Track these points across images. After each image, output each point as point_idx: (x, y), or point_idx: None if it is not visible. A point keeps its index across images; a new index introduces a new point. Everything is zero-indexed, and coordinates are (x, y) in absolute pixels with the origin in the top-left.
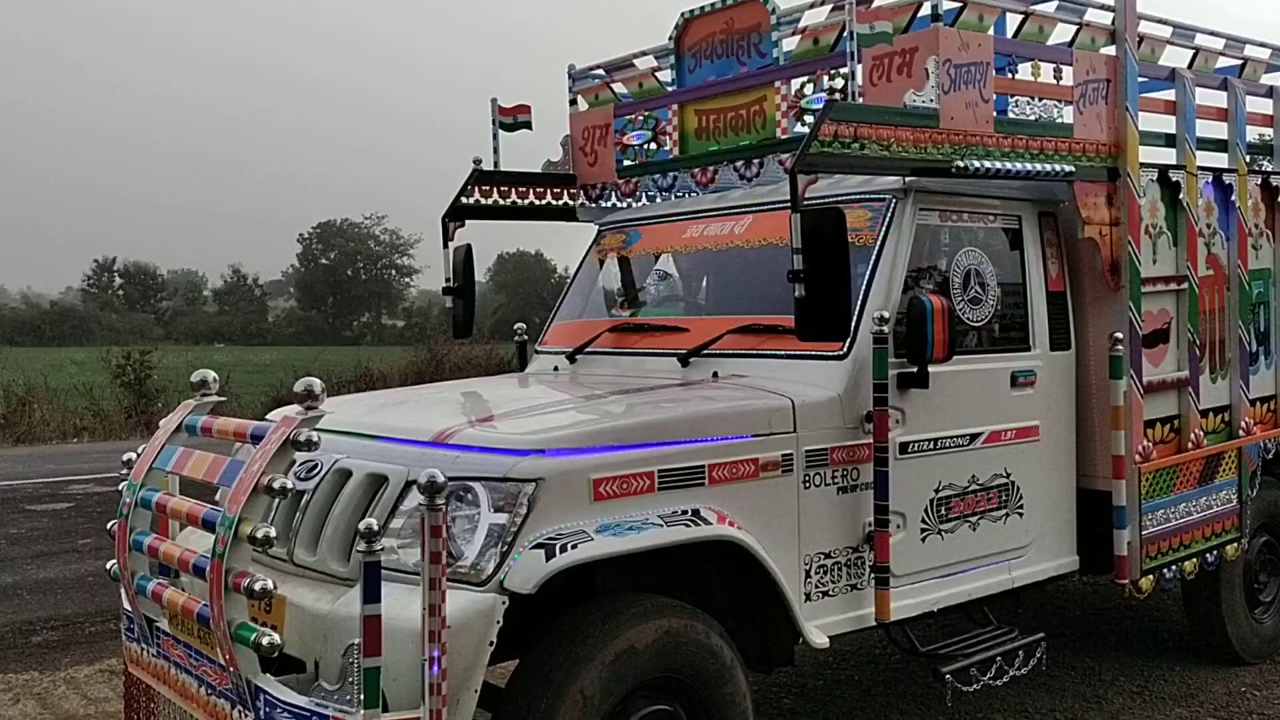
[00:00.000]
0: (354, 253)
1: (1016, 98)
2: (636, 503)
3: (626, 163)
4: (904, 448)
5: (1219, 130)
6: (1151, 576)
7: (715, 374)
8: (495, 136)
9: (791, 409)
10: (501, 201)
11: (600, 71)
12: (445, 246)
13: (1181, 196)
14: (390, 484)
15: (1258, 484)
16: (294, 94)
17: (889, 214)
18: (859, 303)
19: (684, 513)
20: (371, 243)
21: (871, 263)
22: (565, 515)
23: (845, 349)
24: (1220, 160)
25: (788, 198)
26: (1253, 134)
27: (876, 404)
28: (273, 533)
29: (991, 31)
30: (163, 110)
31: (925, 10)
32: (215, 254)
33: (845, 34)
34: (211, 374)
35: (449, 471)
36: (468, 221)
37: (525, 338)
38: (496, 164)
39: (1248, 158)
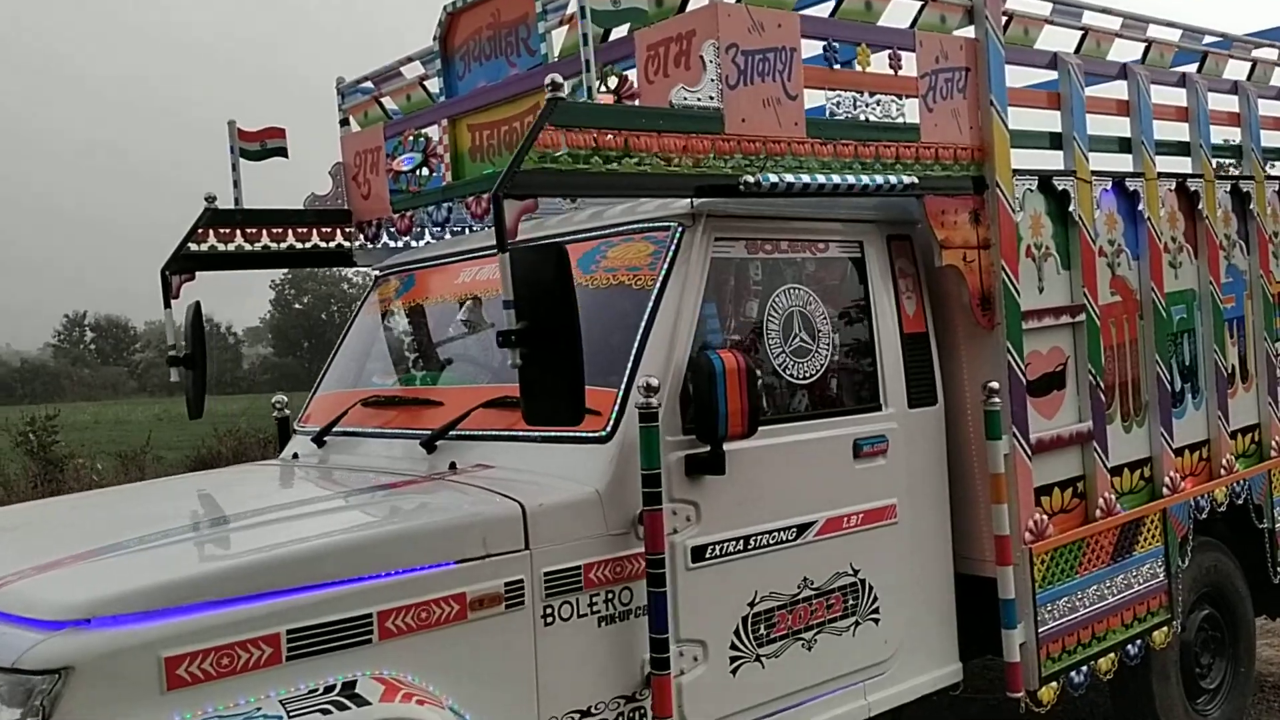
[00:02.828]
0: (327, 296)
1: (840, 94)
2: (246, 684)
3: (399, 193)
4: (699, 553)
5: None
6: (1055, 684)
7: (453, 465)
8: (235, 168)
9: (521, 518)
10: (249, 246)
11: (370, 84)
12: (166, 306)
13: (1072, 209)
14: None
15: (1190, 550)
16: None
17: (673, 247)
18: (629, 365)
19: (329, 690)
20: (345, 284)
21: (647, 312)
22: (115, 717)
23: (609, 428)
24: (1126, 164)
25: (572, 229)
26: (1170, 131)
27: (647, 501)
28: None
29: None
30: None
31: None
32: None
33: (579, 11)
34: None
35: None
36: (201, 273)
37: (286, 412)
38: (238, 201)
39: (1155, 159)
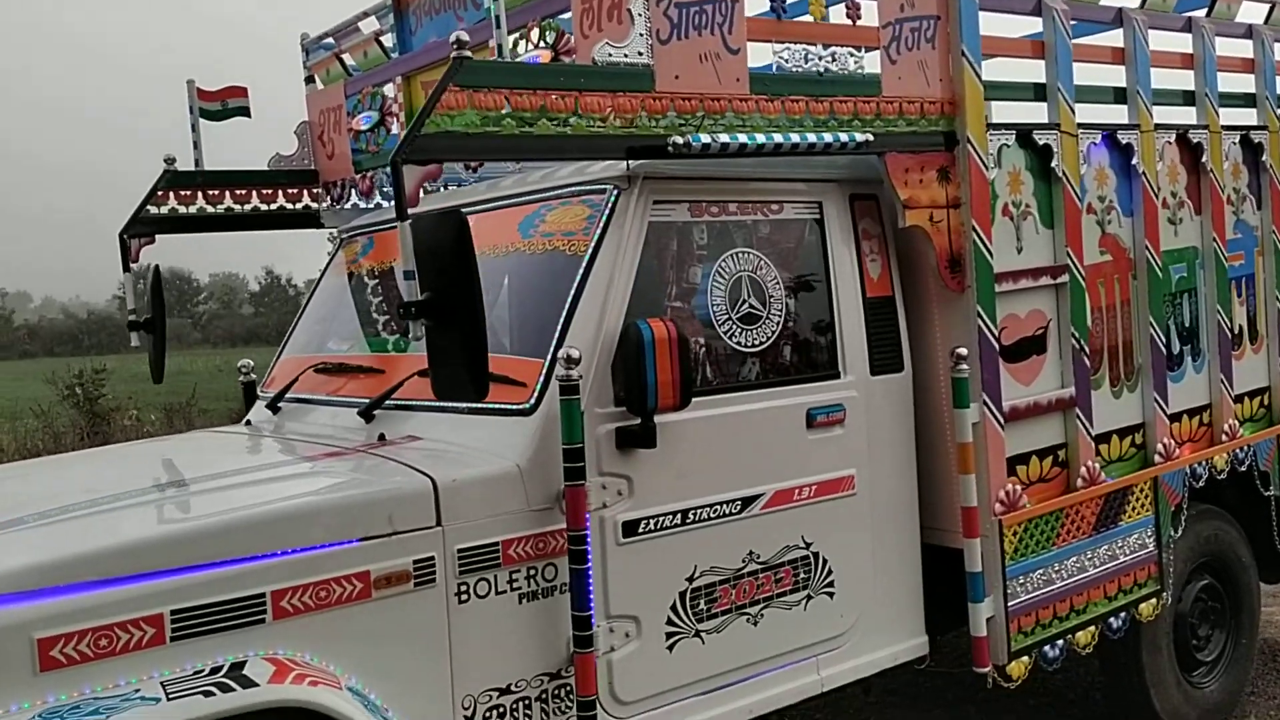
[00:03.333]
0: None
1: (789, 47)
2: (126, 665)
3: (360, 152)
4: (631, 528)
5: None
6: (1026, 658)
7: (382, 436)
8: (195, 129)
9: (432, 494)
10: (211, 208)
11: (332, 41)
12: (126, 270)
13: (1055, 164)
14: None
15: (1184, 519)
16: None
17: (607, 210)
18: (556, 335)
19: (215, 670)
20: None
21: (577, 279)
22: None
23: (532, 401)
24: (1121, 115)
25: (512, 193)
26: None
27: (569, 476)
28: None
29: None
30: None
31: None
32: (256, 258)
33: None
34: None
35: None
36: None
37: (252, 376)
38: (198, 162)
39: (1152, 109)
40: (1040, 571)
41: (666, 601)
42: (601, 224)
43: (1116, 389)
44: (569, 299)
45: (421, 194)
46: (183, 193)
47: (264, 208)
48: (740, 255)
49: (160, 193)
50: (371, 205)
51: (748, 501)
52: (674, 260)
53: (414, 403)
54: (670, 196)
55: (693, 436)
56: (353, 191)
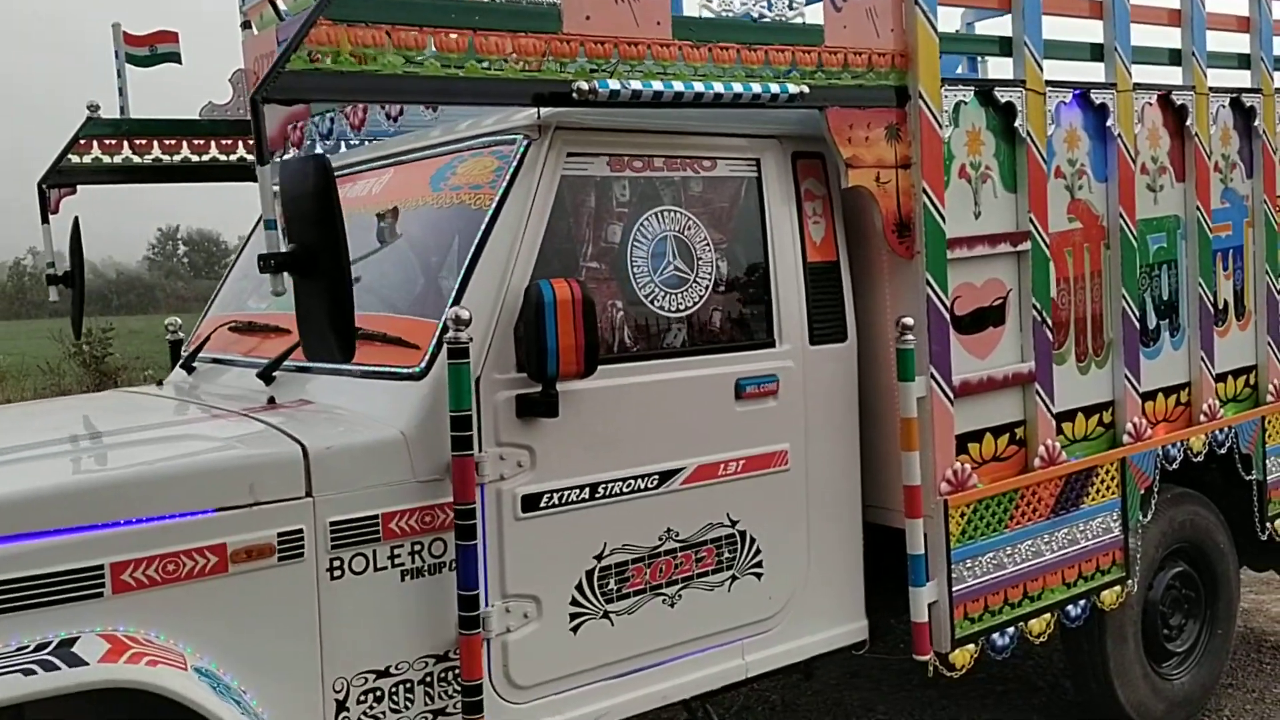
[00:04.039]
0: None
1: None
2: None
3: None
4: (531, 502)
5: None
6: (972, 646)
7: (272, 399)
8: (121, 74)
9: (302, 462)
10: (137, 159)
11: None
12: (45, 221)
13: (1019, 124)
14: None
15: (1155, 503)
16: None
17: (515, 162)
18: (453, 294)
19: (42, 647)
20: None
21: (479, 235)
22: None
23: (424, 364)
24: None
25: (427, 144)
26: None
27: (456, 445)
28: None
29: None
30: None
31: None
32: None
33: None
34: None
35: None
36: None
37: (180, 335)
38: (124, 110)
39: (1131, 68)
40: (990, 555)
41: (571, 580)
42: (508, 177)
43: (1084, 364)
44: (468, 256)
45: (344, 146)
46: (107, 142)
47: (195, 159)
48: (666, 214)
49: (82, 141)
50: None
51: (666, 476)
52: (591, 217)
53: (311, 365)
54: (586, 149)
55: (604, 406)
56: (286, 142)
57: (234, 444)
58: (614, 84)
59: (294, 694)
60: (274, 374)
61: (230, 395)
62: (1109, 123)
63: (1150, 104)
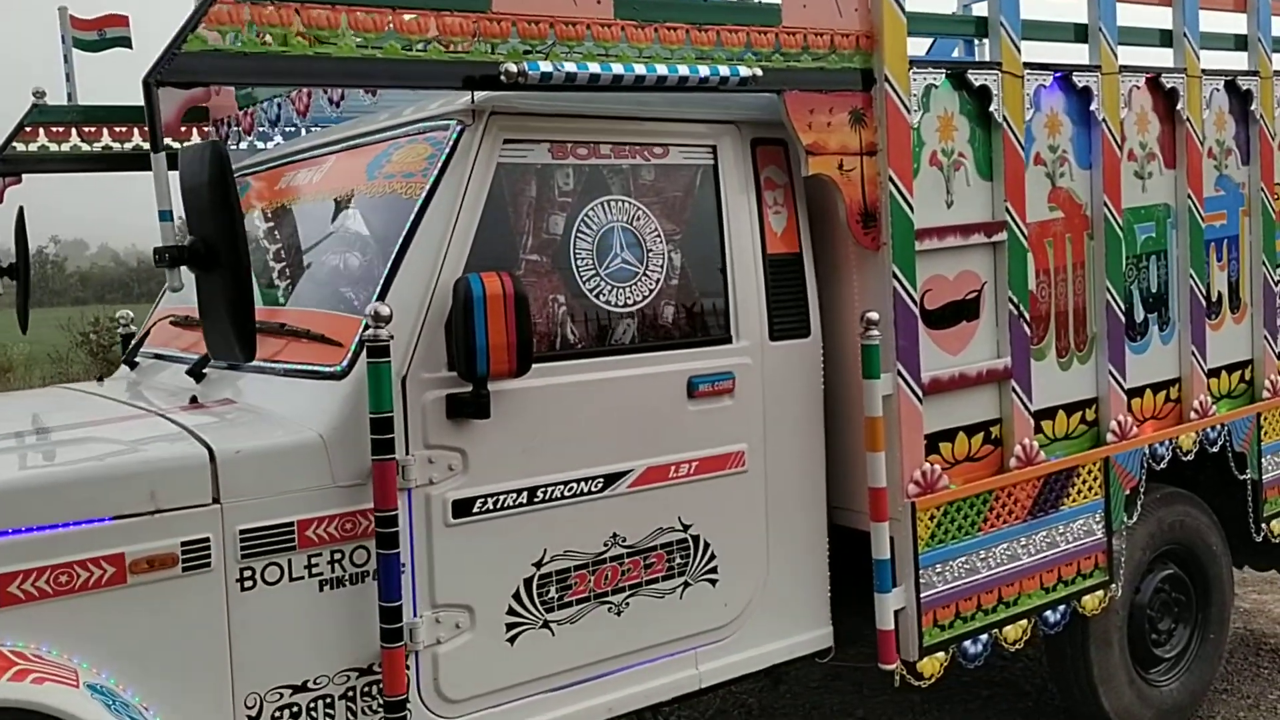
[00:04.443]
0: None
1: None
2: None
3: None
4: (464, 507)
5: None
6: (942, 654)
7: (194, 398)
8: (68, 59)
9: (209, 466)
10: (86, 146)
11: None
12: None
13: (994, 108)
14: None
15: (1140, 504)
16: None
17: (447, 149)
18: (379, 289)
19: None
20: None
21: (407, 226)
22: None
23: (345, 363)
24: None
25: (365, 131)
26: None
27: (377, 449)
28: None
29: None
30: None
31: None
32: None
33: None
34: None
35: None
36: (27, 177)
37: (132, 329)
38: (71, 97)
39: (1116, 49)
40: (962, 560)
41: (508, 589)
42: (439, 164)
43: (1065, 360)
44: (395, 248)
45: (280, 137)
46: (54, 129)
47: (147, 146)
48: (613, 204)
49: (28, 129)
50: (271, 144)
51: (612, 479)
52: (531, 207)
53: (245, 363)
54: (526, 135)
55: (543, 406)
56: (233, 131)
57: (137, 447)
58: (546, 66)
59: (202, 710)
60: (204, 371)
61: (162, 392)
62: (1093, 107)
63: (1138, 87)
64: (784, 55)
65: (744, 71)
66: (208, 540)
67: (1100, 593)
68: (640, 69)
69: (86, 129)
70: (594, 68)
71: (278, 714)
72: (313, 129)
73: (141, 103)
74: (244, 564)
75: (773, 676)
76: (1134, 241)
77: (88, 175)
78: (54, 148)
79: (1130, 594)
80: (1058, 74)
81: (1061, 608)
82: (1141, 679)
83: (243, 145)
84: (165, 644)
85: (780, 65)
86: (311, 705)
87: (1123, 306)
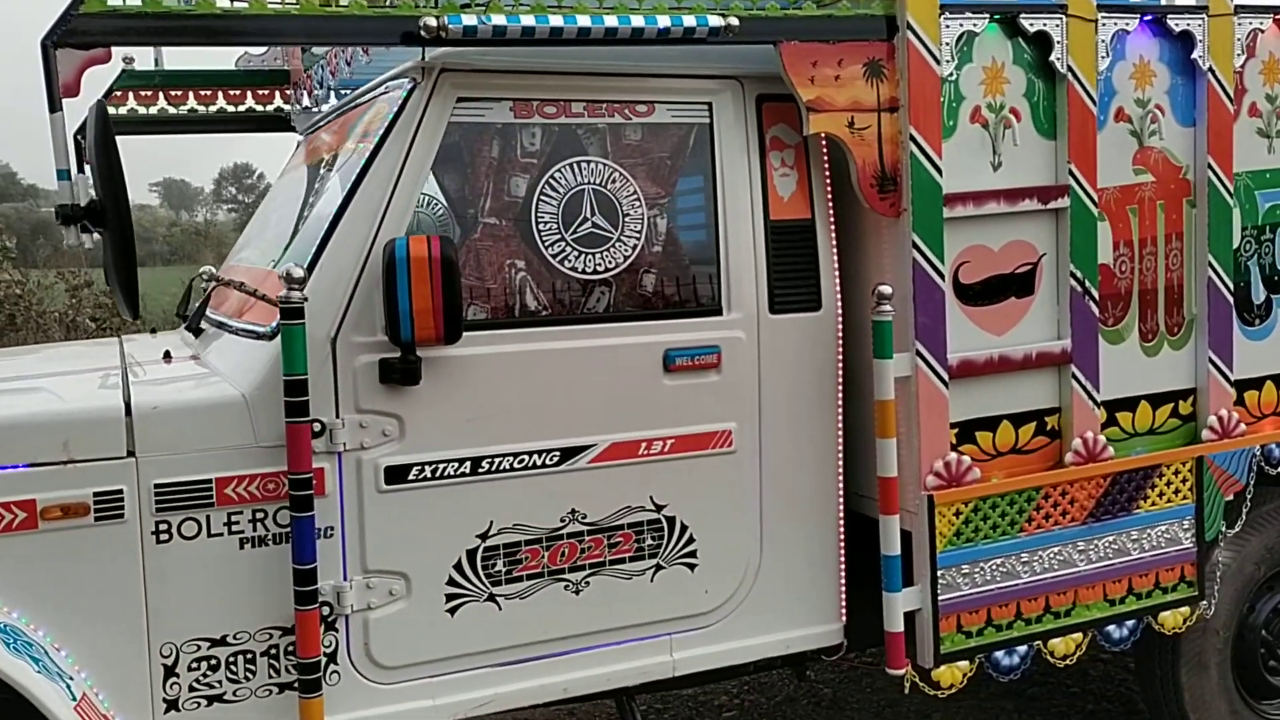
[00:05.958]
0: None
1: None
2: None
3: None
4: (398, 474)
5: None
6: (966, 663)
7: (167, 354)
8: None
9: (124, 419)
10: (173, 109)
11: None
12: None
13: (1055, 57)
14: None
15: (1245, 513)
16: None
17: (395, 109)
18: (314, 249)
19: None
20: None
21: (348, 186)
22: None
23: (275, 324)
24: None
25: (362, 91)
26: None
27: (290, 411)
28: None
29: None
30: None
31: None
32: None
33: None
34: None
35: None
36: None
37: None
38: (157, 62)
39: None
40: (997, 562)
41: (448, 559)
42: (385, 124)
43: (1151, 344)
44: (333, 210)
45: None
46: (143, 93)
47: (231, 109)
48: (585, 165)
49: (118, 93)
50: (327, 106)
51: (570, 453)
52: (490, 168)
53: (221, 320)
54: (482, 93)
55: (492, 374)
56: (303, 92)
57: (63, 400)
58: (469, 19)
59: (117, 655)
60: (201, 327)
61: (161, 348)
62: (1195, 55)
63: (1262, 30)
64: (779, 1)
65: (714, 21)
66: (121, 492)
67: (1185, 609)
68: (585, 20)
69: (173, 93)
70: (528, 20)
71: (194, 664)
72: (343, 91)
73: (222, 66)
74: (159, 517)
75: (798, 669)
76: (1254, 210)
77: (166, 137)
78: (142, 111)
79: (1240, 613)
80: (1146, 17)
81: (1130, 623)
82: (1251, 708)
83: (309, 105)
84: (79, 590)
85: (775, 14)
86: (231, 659)
87: (1231, 285)
